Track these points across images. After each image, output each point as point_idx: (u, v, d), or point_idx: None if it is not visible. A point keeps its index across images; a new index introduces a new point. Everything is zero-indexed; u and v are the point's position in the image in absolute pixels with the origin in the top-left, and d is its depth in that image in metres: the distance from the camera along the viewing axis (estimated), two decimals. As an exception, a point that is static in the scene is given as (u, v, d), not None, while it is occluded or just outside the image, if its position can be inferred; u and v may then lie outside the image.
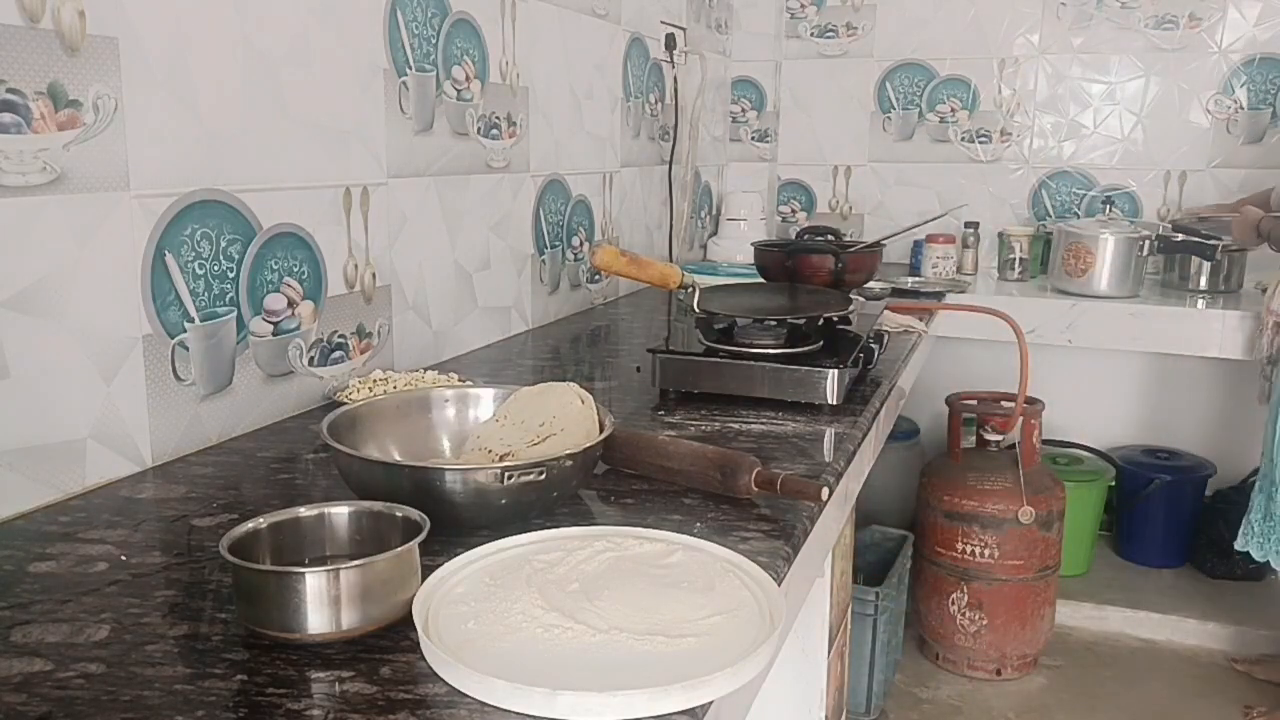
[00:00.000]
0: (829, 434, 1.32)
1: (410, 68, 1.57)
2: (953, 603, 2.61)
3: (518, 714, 0.66)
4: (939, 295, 2.65)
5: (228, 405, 1.26)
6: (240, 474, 1.15)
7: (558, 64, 2.05)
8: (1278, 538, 2.28)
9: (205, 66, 1.18)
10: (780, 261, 1.82)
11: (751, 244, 1.99)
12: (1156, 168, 3.02)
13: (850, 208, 3.37)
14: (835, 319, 1.56)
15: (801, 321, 1.50)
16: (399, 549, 0.77)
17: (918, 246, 3.04)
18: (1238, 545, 2.35)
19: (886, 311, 1.92)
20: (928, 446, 3.24)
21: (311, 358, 1.41)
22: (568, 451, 0.97)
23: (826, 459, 1.22)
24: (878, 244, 1.88)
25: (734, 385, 1.44)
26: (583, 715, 0.65)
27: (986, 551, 2.55)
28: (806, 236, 1.91)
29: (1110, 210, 2.86)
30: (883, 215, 3.33)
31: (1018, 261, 3.03)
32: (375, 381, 1.40)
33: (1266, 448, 2.29)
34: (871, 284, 2.19)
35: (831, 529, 1.26)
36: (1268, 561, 2.31)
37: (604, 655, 0.72)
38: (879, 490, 2.89)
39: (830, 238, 1.89)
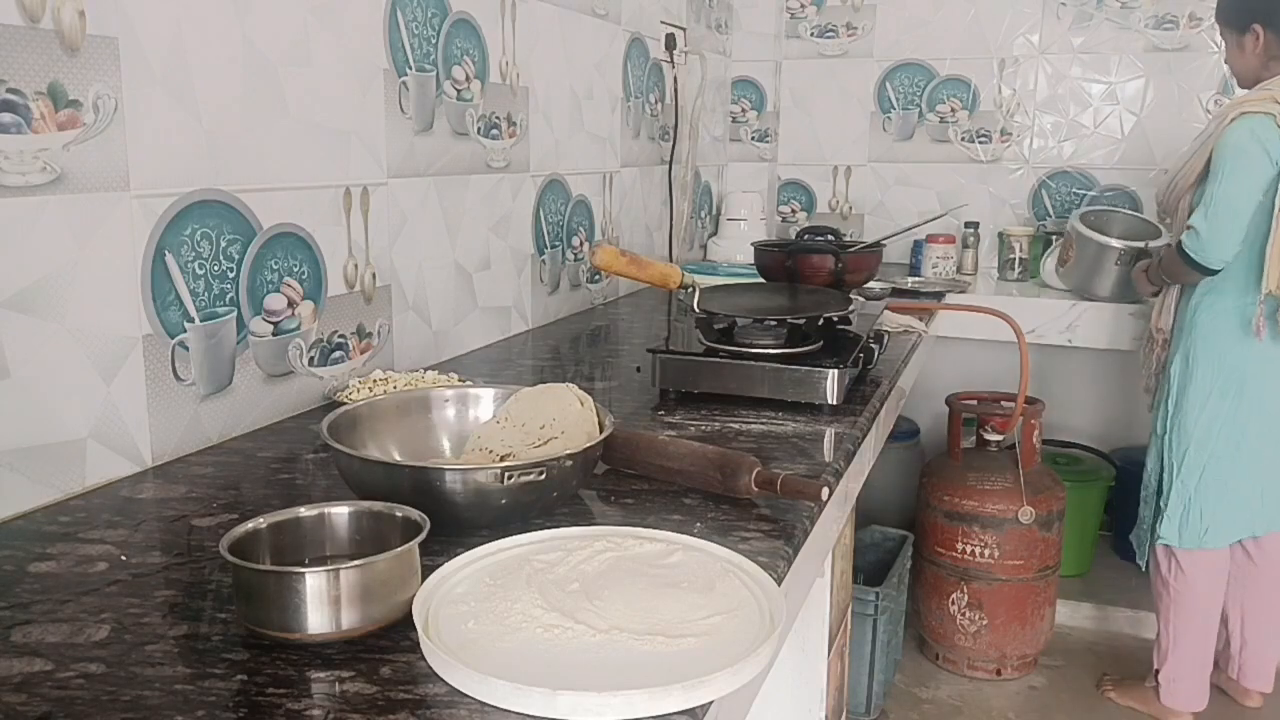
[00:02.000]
0: (829, 434, 1.32)
1: (410, 68, 1.57)
2: (953, 603, 2.61)
3: (518, 714, 0.66)
4: (939, 295, 2.65)
5: (228, 405, 1.26)
6: (240, 474, 1.15)
7: (558, 64, 2.05)
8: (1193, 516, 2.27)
9: (205, 66, 1.18)
10: (780, 261, 1.82)
11: (751, 244, 1.99)
12: (1156, 168, 3.02)
13: (850, 208, 3.37)
14: (835, 319, 1.56)
15: (801, 321, 1.50)
16: (399, 549, 0.77)
17: (918, 246, 3.04)
18: (1185, 544, 2.27)
19: (886, 311, 1.92)
20: (928, 446, 3.24)
21: (311, 358, 1.41)
22: (568, 451, 0.97)
23: (826, 459, 1.22)
24: (878, 244, 1.88)
25: (734, 385, 1.44)
26: (583, 715, 0.65)
27: (986, 551, 2.55)
28: (806, 236, 1.91)
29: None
30: (883, 215, 3.33)
31: (1018, 261, 3.04)
32: (375, 381, 1.40)
33: (1170, 448, 2.28)
34: (871, 284, 2.19)
35: (831, 529, 1.26)
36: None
37: (604, 655, 0.72)
38: (879, 490, 2.89)
39: (830, 238, 1.89)
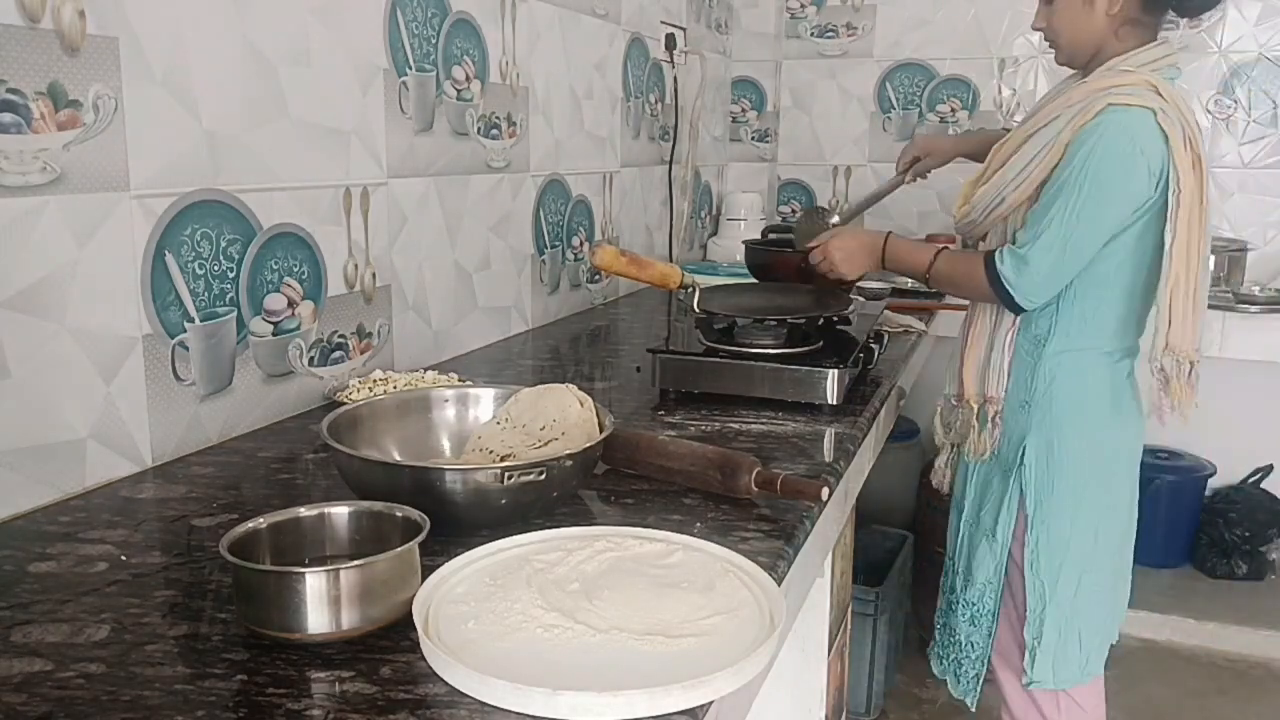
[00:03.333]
0: (829, 434, 1.32)
1: (410, 68, 1.57)
2: (953, 603, 2.61)
3: (518, 714, 0.66)
4: (939, 295, 2.64)
5: (228, 405, 1.26)
6: (240, 474, 1.15)
7: (558, 64, 2.05)
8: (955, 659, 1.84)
9: (205, 66, 1.18)
10: (765, 260, 1.84)
11: (743, 242, 2.00)
12: (1156, 168, 3.02)
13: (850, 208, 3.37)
14: (835, 319, 1.56)
15: (801, 321, 1.50)
16: (399, 549, 0.77)
17: (918, 246, 3.04)
18: (1063, 684, 1.68)
19: (886, 311, 1.92)
20: (928, 446, 3.24)
21: (311, 358, 1.41)
22: (567, 451, 0.97)
23: (826, 459, 1.22)
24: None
25: (734, 385, 1.44)
26: (583, 715, 0.65)
27: (986, 551, 2.54)
28: (773, 235, 1.93)
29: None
30: (883, 215, 3.32)
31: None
32: (375, 381, 1.40)
33: (1037, 569, 1.62)
34: (871, 284, 2.19)
35: (831, 529, 1.26)
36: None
37: (604, 655, 0.72)
38: (879, 490, 2.88)
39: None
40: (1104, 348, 1.55)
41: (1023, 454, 1.58)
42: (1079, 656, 1.65)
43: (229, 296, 1.25)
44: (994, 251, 1.49)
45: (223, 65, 1.21)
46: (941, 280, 1.59)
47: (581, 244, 2.23)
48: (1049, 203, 1.45)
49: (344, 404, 1.21)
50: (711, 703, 0.68)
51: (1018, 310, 1.52)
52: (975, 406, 1.63)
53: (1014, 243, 1.48)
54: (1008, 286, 1.48)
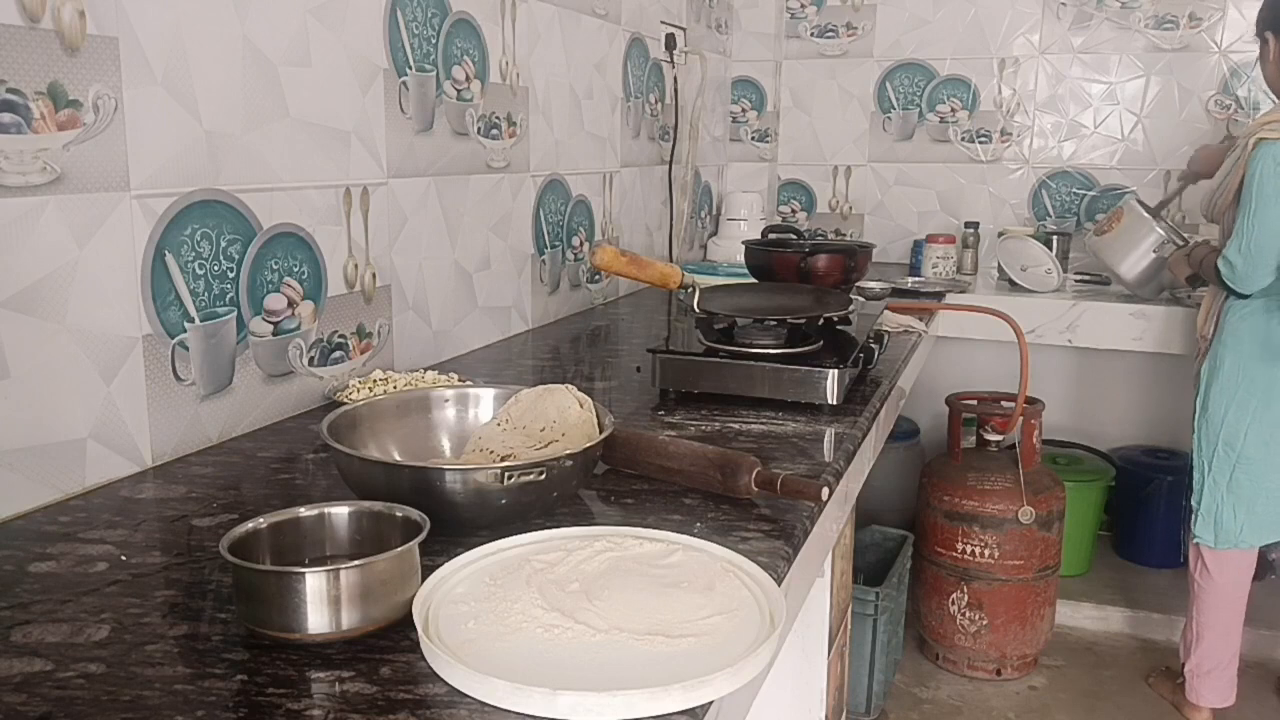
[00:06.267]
0: (829, 434, 1.32)
1: (410, 68, 1.57)
2: (953, 603, 2.61)
3: (518, 714, 0.66)
4: (939, 295, 2.65)
5: (228, 405, 1.26)
6: (240, 474, 1.15)
7: (558, 64, 2.05)
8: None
9: (205, 66, 1.18)
10: (764, 260, 1.85)
11: (743, 241, 2.01)
12: (1156, 168, 3.03)
13: (850, 208, 3.37)
14: (835, 319, 1.56)
15: (801, 321, 1.50)
16: (399, 549, 0.77)
17: (918, 246, 3.04)
18: (1221, 545, 2.33)
19: (886, 311, 1.92)
20: (928, 446, 3.24)
21: (311, 358, 1.41)
22: (567, 451, 0.97)
23: (826, 459, 1.22)
24: (843, 243, 1.90)
25: (734, 385, 1.44)
26: (583, 715, 0.65)
27: (986, 551, 2.55)
28: (773, 235, 1.95)
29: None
30: (883, 215, 3.33)
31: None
32: (375, 381, 1.40)
33: (1200, 448, 2.34)
34: (872, 284, 2.20)
35: (831, 529, 1.26)
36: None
37: (604, 655, 0.72)
38: (879, 490, 2.89)
39: (793, 236, 1.94)
40: (1264, 305, 2.15)
41: (1202, 365, 2.32)
42: (1233, 527, 2.29)
43: (229, 296, 1.25)
44: (1222, 255, 2.12)
45: (223, 65, 1.21)
46: (1203, 268, 2.26)
47: (581, 244, 2.23)
48: (1238, 219, 2.09)
49: (344, 404, 1.21)
50: (711, 703, 0.68)
51: (1240, 296, 2.16)
52: (1197, 341, 2.37)
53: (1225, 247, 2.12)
54: (1225, 280, 2.14)
